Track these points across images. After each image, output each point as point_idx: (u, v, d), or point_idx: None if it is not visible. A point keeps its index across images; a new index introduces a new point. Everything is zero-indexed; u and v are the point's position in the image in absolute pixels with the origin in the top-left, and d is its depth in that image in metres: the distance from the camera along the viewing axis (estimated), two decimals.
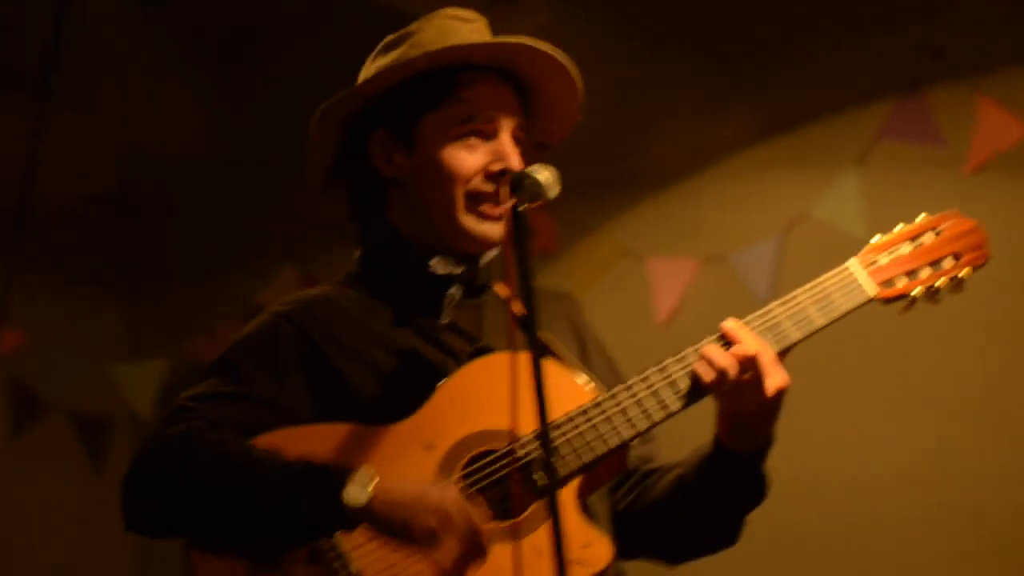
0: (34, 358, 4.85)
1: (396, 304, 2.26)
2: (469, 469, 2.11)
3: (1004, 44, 4.03)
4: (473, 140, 2.23)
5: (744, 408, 2.11)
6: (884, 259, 2.19)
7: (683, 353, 2.14)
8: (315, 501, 2.05)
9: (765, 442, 2.16)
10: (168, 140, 4.93)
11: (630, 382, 2.14)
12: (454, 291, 2.26)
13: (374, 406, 2.16)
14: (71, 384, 4.90)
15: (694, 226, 4.41)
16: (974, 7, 4.07)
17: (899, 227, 2.22)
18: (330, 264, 4.72)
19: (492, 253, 2.28)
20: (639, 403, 2.12)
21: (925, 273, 2.18)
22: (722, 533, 2.26)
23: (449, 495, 2.04)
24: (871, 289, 2.17)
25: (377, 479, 2.04)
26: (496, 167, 2.21)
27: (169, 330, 5.05)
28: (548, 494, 1.87)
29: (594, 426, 2.11)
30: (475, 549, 2.03)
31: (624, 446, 2.14)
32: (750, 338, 2.10)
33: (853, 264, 2.18)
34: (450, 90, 2.24)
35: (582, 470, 2.11)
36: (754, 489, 2.20)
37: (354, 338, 2.22)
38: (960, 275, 2.18)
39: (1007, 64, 4.04)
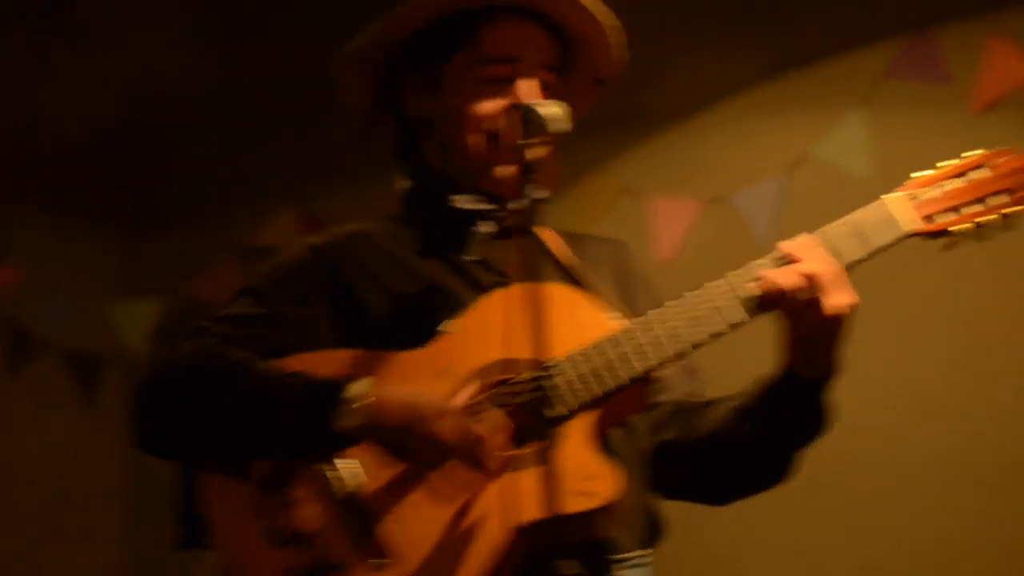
0: (29, 295, 4.84)
1: (427, 240, 2.27)
2: (481, 397, 2.08)
3: None
4: (493, 82, 2.22)
5: (809, 330, 2.05)
6: (927, 193, 2.08)
7: (705, 285, 2.09)
8: (316, 402, 2.05)
9: (831, 369, 2.10)
10: (169, 79, 4.90)
11: (649, 316, 2.09)
12: (483, 227, 2.25)
13: (396, 336, 2.15)
14: (65, 322, 4.89)
15: (697, 166, 4.36)
16: None
17: (947, 162, 2.11)
18: (330, 205, 4.74)
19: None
20: (656, 338, 2.08)
21: (972, 209, 2.06)
22: (775, 468, 2.21)
23: (452, 401, 2.03)
24: (910, 223, 2.07)
25: (376, 385, 2.04)
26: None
27: (165, 269, 5.03)
28: (545, 429, 1.86)
29: (609, 359, 2.08)
30: (474, 461, 2.02)
31: (642, 380, 2.10)
32: (814, 255, 2.04)
33: (891, 197, 2.08)
34: (471, 32, 2.24)
35: (594, 403, 2.08)
36: (816, 419, 2.14)
37: (381, 270, 2.23)
38: (1010, 212, 2.05)
39: (1017, 2, 3.98)
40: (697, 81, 4.34)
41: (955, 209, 2.07)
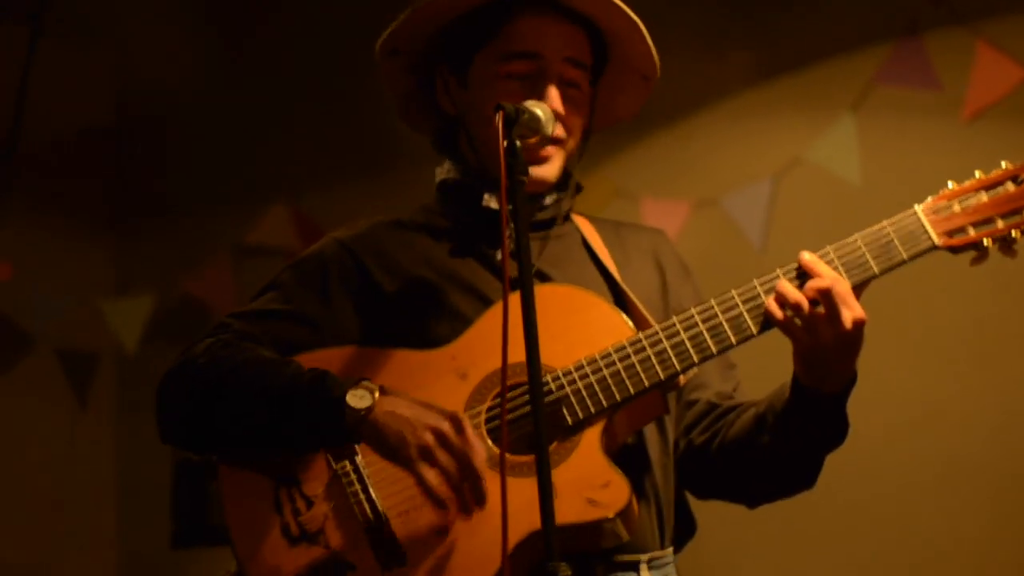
0: (21, 292, 4.83)
1: (460, 235, 2.27)
2: (499, 400, 2.08)
3: None
4: (515, 77, 2.22)
5: (820, 344, 2.05)
6: (955, 207, 2.08)
7: (723, 296, 2.09)
8: (317, 403, 2.06)
9: (841, 384, 2.10)
10: (162, 75, 4.89)
11: (673, 320, 2.10)
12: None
13: (420, 332, 2.16)
14: (58, 319, 4.88)
15: (688, 168, 4.37)
16: None
17: (976, 175, 2.10)
18: (321, 202, 4.73)
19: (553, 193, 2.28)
20: (676, 345, 2.08)
21: (1000, 223, 2.06)
22: (800, 476, 2.22)
23: (451, 416, 2.03)
24: (935, 237, 2.07)
25: (380, 389, 2.04)
26: None
27: (157, 266, 5.02)
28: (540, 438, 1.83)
29: (624, 367, 2.08)
30: (469, 473, 2.01)
31: (660, 387, 2.10)
32: (826, 271, 2.05)
33: (919, 209, 2.08)
34: (497, 26, 2.23)
35: (611, 409, 2.08)
36: (833, 430, 2.15)
37: (409, 266, 2.22)
38: None
39: (1006, 8, 4.00)
40: (688, 84, 4.34)
41: (983, 223, 2.07)
